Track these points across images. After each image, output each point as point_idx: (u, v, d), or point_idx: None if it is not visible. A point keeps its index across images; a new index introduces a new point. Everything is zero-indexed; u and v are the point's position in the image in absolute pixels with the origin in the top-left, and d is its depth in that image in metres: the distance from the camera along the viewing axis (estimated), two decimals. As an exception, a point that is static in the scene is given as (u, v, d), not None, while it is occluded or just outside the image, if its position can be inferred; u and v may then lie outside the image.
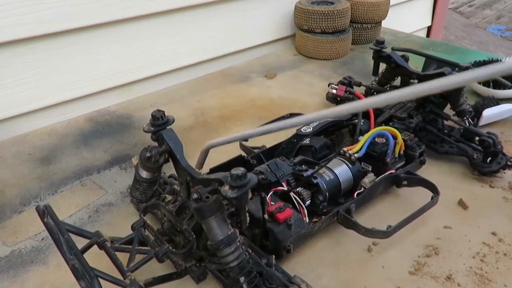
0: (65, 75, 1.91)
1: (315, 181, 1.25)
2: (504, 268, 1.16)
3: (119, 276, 0.98)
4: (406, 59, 1.80)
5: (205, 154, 1.20)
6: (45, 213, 1.03)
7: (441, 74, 1.54)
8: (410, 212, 1.23)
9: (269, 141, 1.50)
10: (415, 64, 1.96)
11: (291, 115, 1.76)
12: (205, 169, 1.33)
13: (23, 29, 1.71)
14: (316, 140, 1.42)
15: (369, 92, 1.93)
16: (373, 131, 1.37)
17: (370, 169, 1.38)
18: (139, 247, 1.07)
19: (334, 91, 1.91)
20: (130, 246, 1.06)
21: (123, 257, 1.03)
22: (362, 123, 1.52)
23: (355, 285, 1.13)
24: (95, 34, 1.93)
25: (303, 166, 1.30)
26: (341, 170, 1.30)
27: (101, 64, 2.00)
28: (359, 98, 1.83)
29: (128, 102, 2.09)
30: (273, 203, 1.17)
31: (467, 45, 5.32)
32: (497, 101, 1.82)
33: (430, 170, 1.50)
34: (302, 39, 2.54)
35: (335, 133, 1.58)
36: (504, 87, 1.93)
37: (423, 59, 1.90)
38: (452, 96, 1.57)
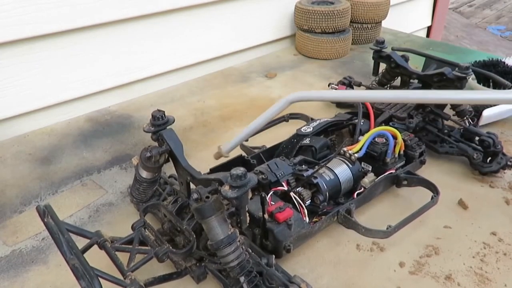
0: (65, 75, 1.91)
1: (315, 181, 1.25)
2: (504, 268, 1.16)
3: (120, 276, 0.98)
4: (406, 59, 1.80)
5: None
6: (45, 213, 1.03)
7: (441, 74, 1.55)
8: (410, 212, 1.23)
9: (269, 141, 1.51)
10: (415, 64, 1.96)
11: (291, 115, 1.76)
12: (205, 169, 1.33)
13: (23, 29, 1.71)
14: (316, 140, 1.42)
15: (369, 92, 1.93)
16: (373, 131, 1.37)
17: (370, 169, 1.38)
18: (139, 247, 1.07)
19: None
20: (130, 246, 1.06)
21: (123, 257, 1.03)
22: (362, 123, 1.52)
23: (355, 285, 1.13)
24: (95, 34, 1.93)
25: (303, 166, 1.30)
26: (341, 170, 1.30)
27: (101, 64, 2.00)
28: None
29: (128, 102, 2.09)
30: (273, 203, 1.17)
31: (467, 45, 5.32)
32: (497, 101, 1.82)
33: (430, 170, 1.50)
34: (302, 39, 2.54)
35: (335, 133, 1.58)
36: (504, 87, 1.93)
37: (423, 59, 1.90)
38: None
